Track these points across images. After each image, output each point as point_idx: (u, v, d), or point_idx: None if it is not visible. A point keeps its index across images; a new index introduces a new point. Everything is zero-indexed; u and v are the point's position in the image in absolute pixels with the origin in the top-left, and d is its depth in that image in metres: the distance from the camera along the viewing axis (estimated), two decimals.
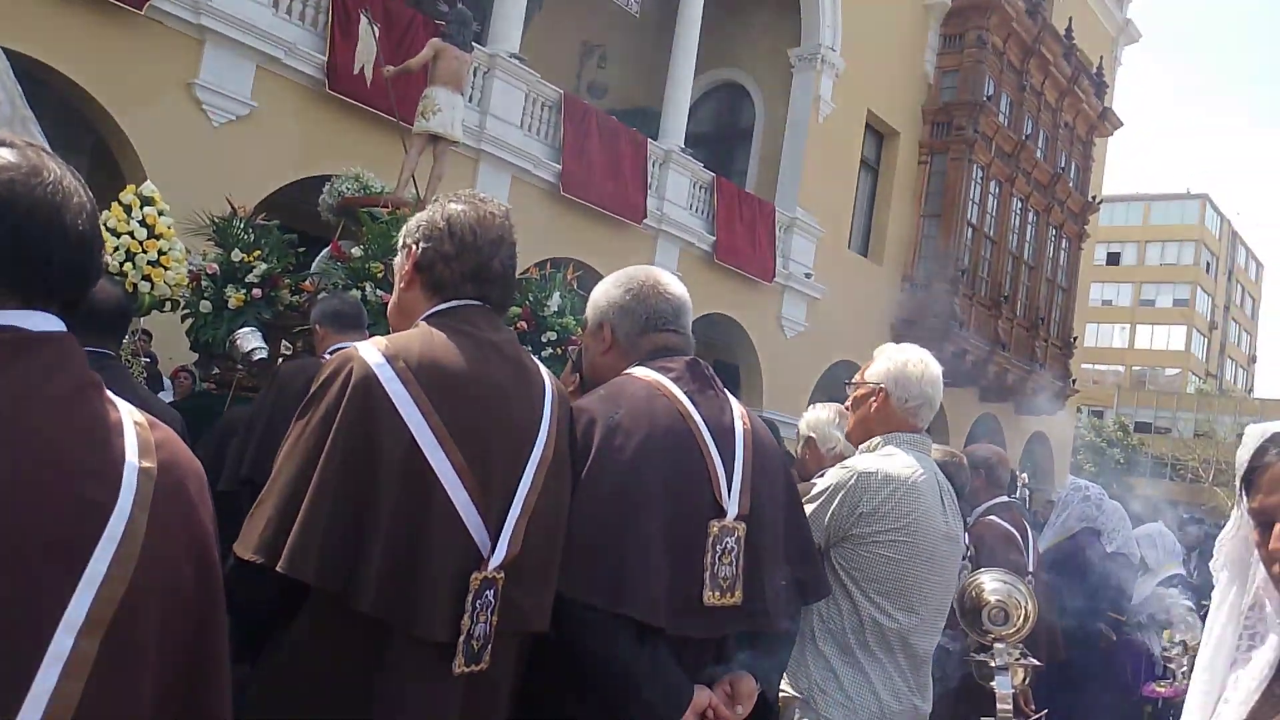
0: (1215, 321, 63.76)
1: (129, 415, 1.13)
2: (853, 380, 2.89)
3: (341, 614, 1.61)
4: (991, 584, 2.21)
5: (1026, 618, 2.18)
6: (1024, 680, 2.16)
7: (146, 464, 1.10)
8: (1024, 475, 10.92)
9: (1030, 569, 4.21)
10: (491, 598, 1.68)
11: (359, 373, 1.67)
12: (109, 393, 1.12)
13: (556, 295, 6.92)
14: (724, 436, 2.06)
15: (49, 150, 1.13)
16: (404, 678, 1.63)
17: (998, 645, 2.09)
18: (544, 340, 6.68)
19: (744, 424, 2.12)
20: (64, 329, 1.10)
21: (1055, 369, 22.80)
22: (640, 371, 2.09)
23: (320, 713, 1.62)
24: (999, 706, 2.00)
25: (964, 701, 3.11)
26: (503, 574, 1.70)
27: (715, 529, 1.96)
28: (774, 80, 17.29)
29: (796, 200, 16.61)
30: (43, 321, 1.08)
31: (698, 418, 2.02)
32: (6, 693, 0.95)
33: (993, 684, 2.12)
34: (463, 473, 1.68)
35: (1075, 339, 23.98)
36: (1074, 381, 23.84)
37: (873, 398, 2.78)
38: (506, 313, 1.99)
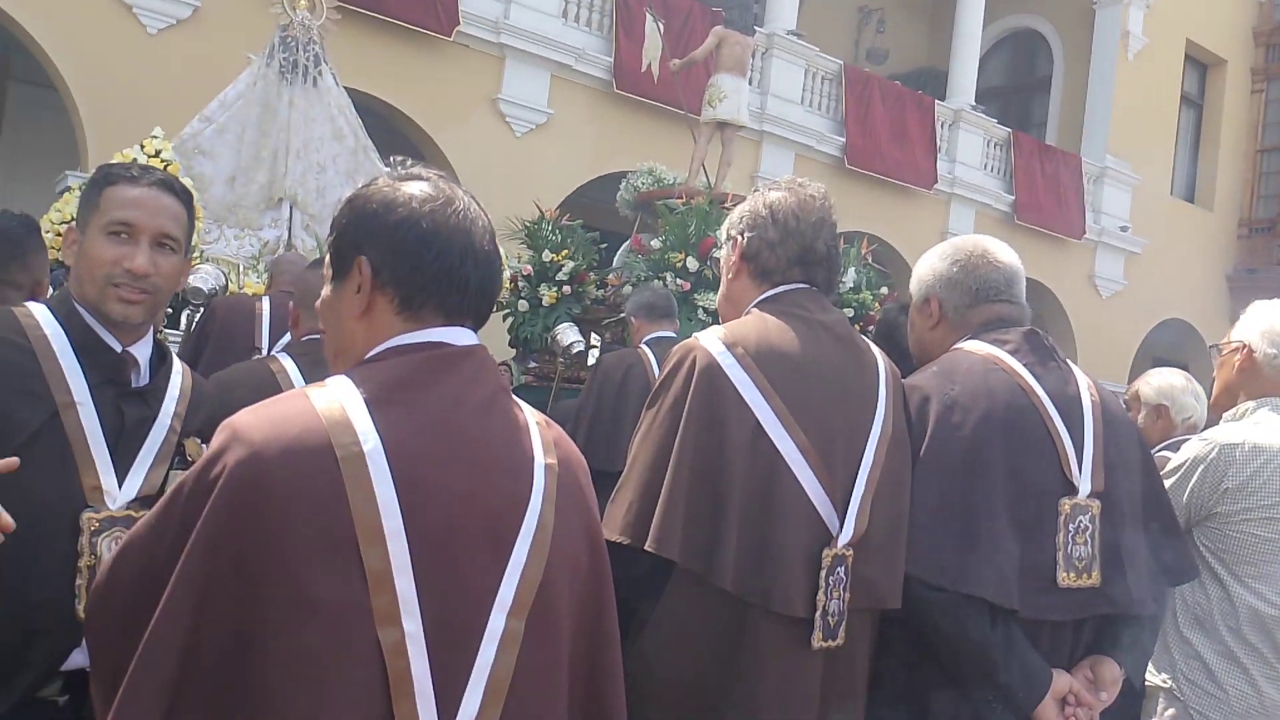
0: None
1: (531, 416, 1.26)
2: (1219, 344, 2.62)
3: (704, 591, 1.69)
4: None
5: None
6: None
7: (550, 460, 1.22)
8: None
9: None
10: (843, 574, 1.71)
11: (702, 361, 1.74)
12: (514, 396, 1.25)
13: (851, 271, 6.80)
14: (1070, 410, 1.94)
15: (455, 179, 1.26)
16: (766, 652, 1.69)
17: None
18: None
19: (1092, 396, 1.99)
20: (478, 342, 1.24)
21: None
22: (973, 345, 2.01)
23: (687, 684, 1.71)
24: None
25: None
26: (851, 551, 1.73)
27: (1067, 507, 1.87)
28: (1073, 20, 15.94)
29: (1105, 148, 15.25)
30: (463, 336, 1.22)
31: (1040, 391, 1.92)
32: (459, 663, 1.09)
33: None
34: (806, 452, 1.72)
35: None
36: None
37: (1237, 356, 2.51)
38: (834, 293, 1.99)
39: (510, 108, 10.30)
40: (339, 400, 1.11)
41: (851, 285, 6.75)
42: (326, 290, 1.27)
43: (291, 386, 2.15)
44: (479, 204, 1.27)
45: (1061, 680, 1.83)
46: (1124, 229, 15.51)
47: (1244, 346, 2.51)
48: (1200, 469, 2.36)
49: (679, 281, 5.91)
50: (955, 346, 2.04)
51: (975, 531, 1.82)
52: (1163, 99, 16.18)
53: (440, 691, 1.06)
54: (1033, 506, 1.86)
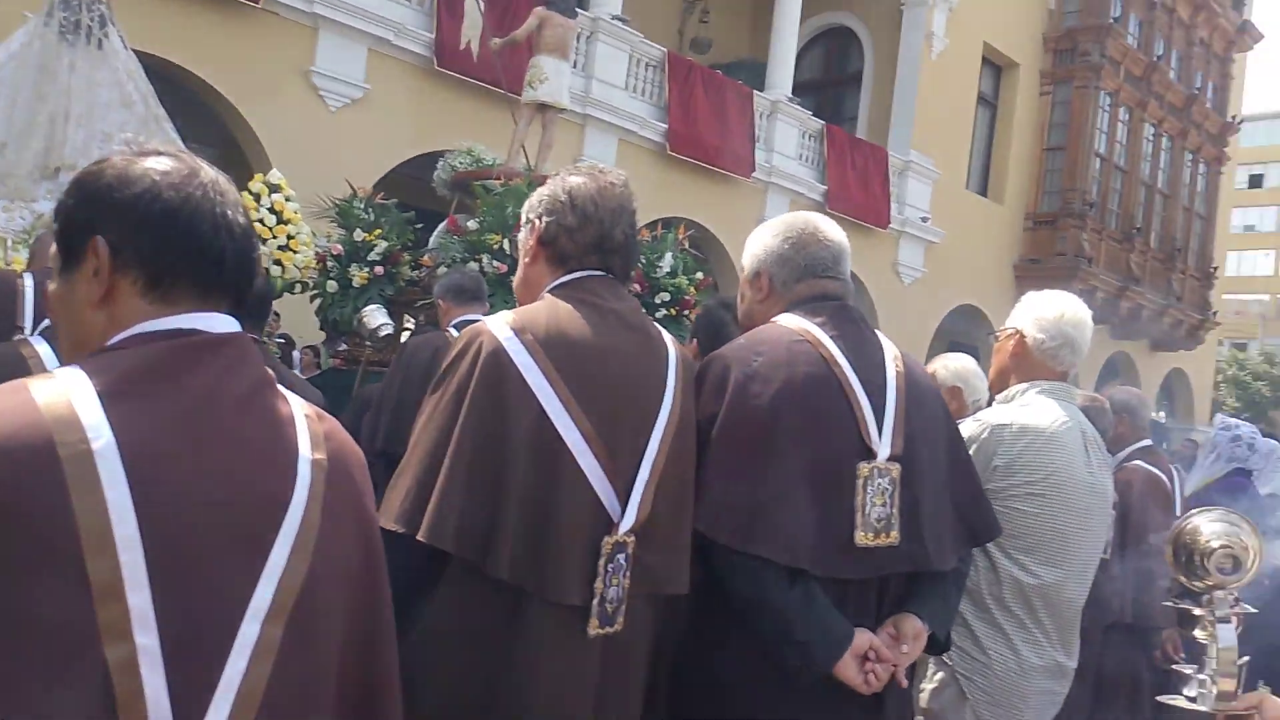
0: None
1: (300, 408, 1.18)
2: (996, 331, 2.80)
3: (480, 581, 1.67)
4: (1210, 525, 1.91)
5: (1256, 559, 1.84)
6: (1238, 628, 1.87)
7: (318, 456, 1.14)
8: (1160, 414, 10.42)
9: (1178, 514, 4.04)
10: (623, 561, 1.72)
11: (488, 346, 1.72)
12: (280, 388, 1.17)
13: (668, 256, 6.90)
14: (874, 379, 2.02)
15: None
16: (541, 640, 1.68)
17: (1217, 594, 1.85)
18: (657, 302, 6.68)
19: (897, 367, 2.08)
20: (239, 329, 1.15)
21: (1193, 301, 21.62)
22: (785, 318, 2.08)
23: (464, 675, 1.69)
24: (1221, 658, 1.78)
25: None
26: (633, 538, 1.74)
27: (865, 470, 1.94)
28: (883, 20, 16.72)
29: (910, 143, 16.10)
30: (221, 323, 1.13)
31: (843, 361, 2.00)
32: (202, 677, 1.01)
33: (1199, 635, 1.84)
34: (591, 440, 1.71)
35: (1215, 268, 22.65)
36: (1214, 314, 22.55)
37: (1011, 342, 2.69)
38: (630, 281, 2.01)
39: (324, 81, 9.87)
40: (66, 392, 1.00)
41: (668, 270, 6.84)
42: (54, 284, 1.15)
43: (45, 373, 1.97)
44: (228, 178, 1.18)
45: (862, 637, 1.88)
46: (924, 220, 16.43)
47: (1017, 333, 2.69)
48: (973, 448, 2.50)
49: (495, 264, 5.83)
50: (772, 320, 2.10)
51: (765, 495, 1.87)
52: (961, 98, 17.21)
53: (179, 710, 0.98)
54: (831, 471, 1.92)
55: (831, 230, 2.18)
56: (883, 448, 1.97)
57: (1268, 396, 35.91)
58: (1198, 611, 1.83)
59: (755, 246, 2.20)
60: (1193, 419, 22.99)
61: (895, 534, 1.95)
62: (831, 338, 2.01)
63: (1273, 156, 56.67)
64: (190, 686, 0.99)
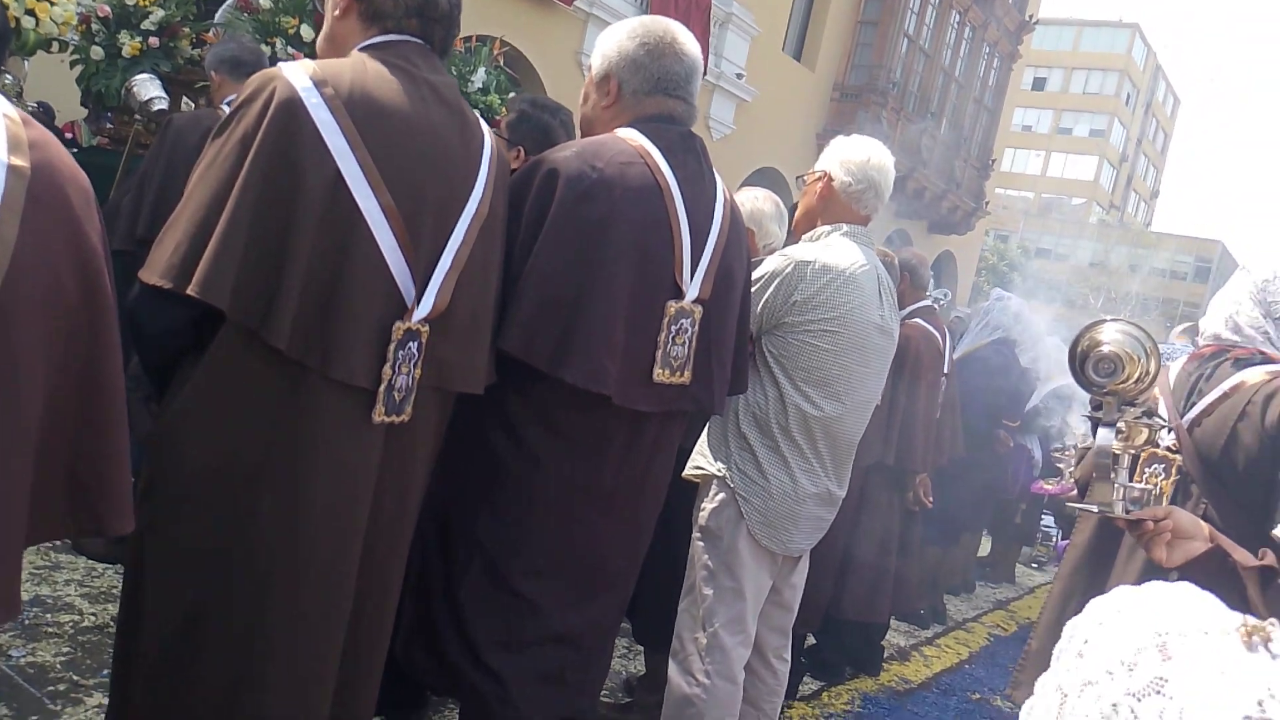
0: (1126, 154, 64.88)
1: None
2: (804, 174, 2.81)
3: (255, 350, 1.53)
4: (1112, 333, 1.90)
5: (1145, 375, 1.85)
6: (1145, 440, 1.85)
7: (17, 161, 0.97)
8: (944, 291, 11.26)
9: (945, 372, 4.34)
10: (415, 350, 1.63)
11: (282, 94, 1.54)
12: None
13: (481, 71, 6.55)
14: (700, 219, 2.00)
15: None
16: (322, 422, 1.57)
17: (1107, 399, 1.86)
18: None
19: (724, 209, 2.07)
20: None
21: (970, 190, 23.08)
22: (627, 133, 2.00)
23: (227, 452, 1.56)
24: (1096, 458, 1.88)
25: None
26: (428, 327, 1.65)
27: (672, 309, 1.95)
28: None
29: None
30: None
31: (676, 193, 1.96)
32: None
33: (1115, 446, 1.91)
34: (390, 214, 1.58)
35: (994, 161, 24.18)
36: (987, 204, 24.22)
37: (819, 184, 2.72)
38: (448, 57, 1.85)
39: None
40: None
41: (480, 86, 6.51)
42: None
43: None
44: None
45: None
46: (739, 76, 16.43)
47: (825, 175, 2.72)
48: (776, 282, 2.54)
49: (291, 50, 5.32)
50: (615, 131, 2.01)
51: (582, 318, 1.84)
52: None
53: None
54: (643, 304, 1.92)
55: (689, 43, 2.09)
56: (691, 289, 1.97)
57: (1019, 286, 39.47)
58: (1087, 413, 1.94)
59: (607, 46, 2.08)
60: (955, 299, 24.91)
61: (688, 374, 1.99)
62: (671, 166, 1.96)
63: (1056, 62, 60.47)
64: None
